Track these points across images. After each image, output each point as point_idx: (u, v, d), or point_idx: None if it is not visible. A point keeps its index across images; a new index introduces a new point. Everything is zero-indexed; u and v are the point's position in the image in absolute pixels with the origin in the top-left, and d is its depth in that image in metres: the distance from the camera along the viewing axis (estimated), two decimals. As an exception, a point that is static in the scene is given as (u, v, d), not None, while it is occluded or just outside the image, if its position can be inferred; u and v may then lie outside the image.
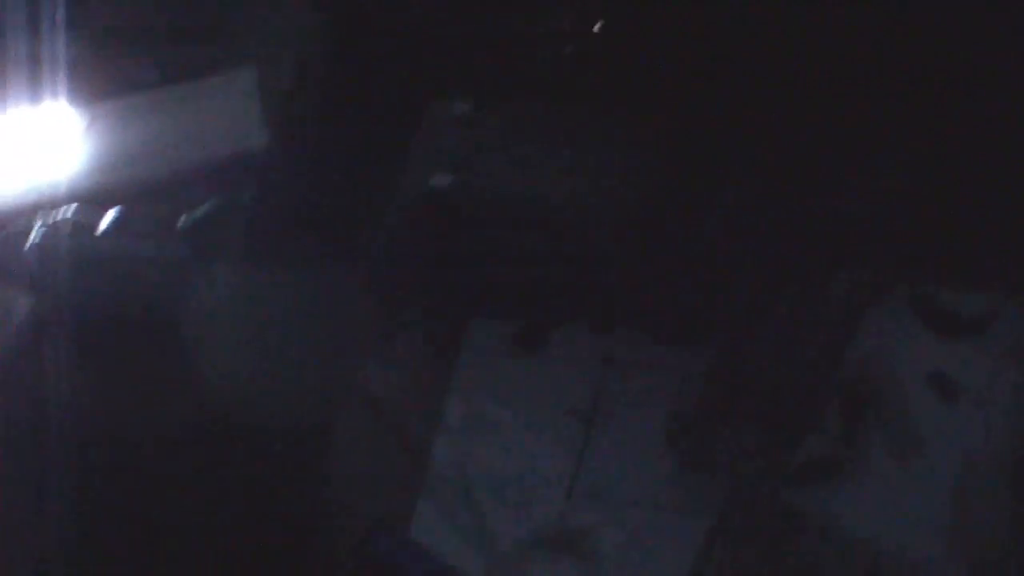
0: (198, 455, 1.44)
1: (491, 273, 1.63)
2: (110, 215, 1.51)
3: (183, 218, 1.50)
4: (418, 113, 1.63)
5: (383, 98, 1.62)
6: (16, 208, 1.56)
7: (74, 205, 1.54)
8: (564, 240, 1.61)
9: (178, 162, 1.58)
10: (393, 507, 1.55)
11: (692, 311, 1.61)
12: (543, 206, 1.60)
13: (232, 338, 1.46)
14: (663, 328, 1.62)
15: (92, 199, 1.55)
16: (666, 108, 1.64)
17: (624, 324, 1.63)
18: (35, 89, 1.62)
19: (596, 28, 1.66)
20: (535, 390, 1.63)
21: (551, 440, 1.59)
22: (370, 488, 1.57)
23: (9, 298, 1.50)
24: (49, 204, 1.56)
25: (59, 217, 1.52)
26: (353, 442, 1.59)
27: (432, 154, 1.60)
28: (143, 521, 1.41)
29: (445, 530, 1.53)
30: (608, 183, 1.61)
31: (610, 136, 1.64)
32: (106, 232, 1.49)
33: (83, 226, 1.50)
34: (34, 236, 1.49)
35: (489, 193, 1.59)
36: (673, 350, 1.62)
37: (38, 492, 1.38)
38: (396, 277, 1.62)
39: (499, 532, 1.53)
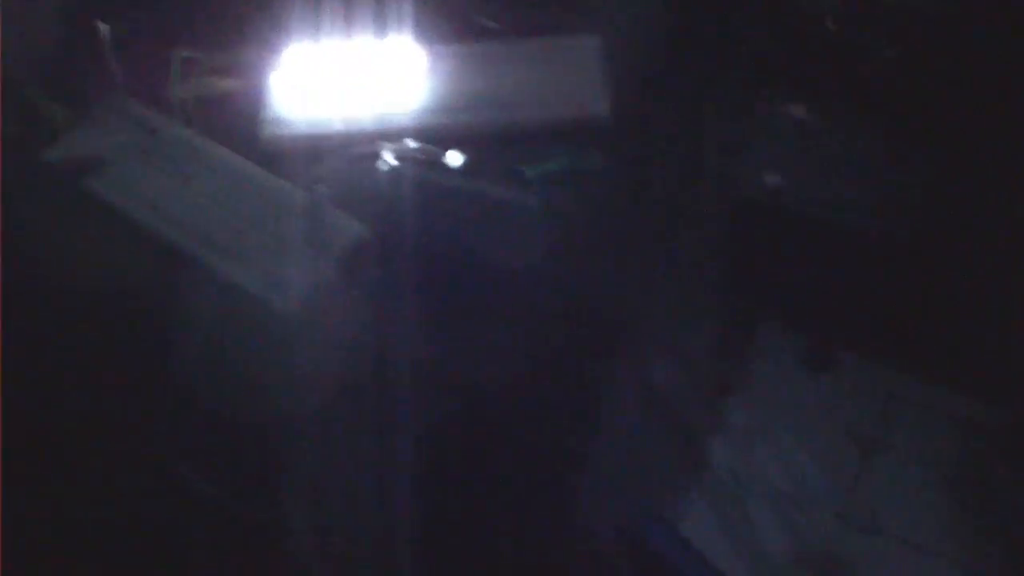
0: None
1: (797, 281, 1.61)
2: (456, 155, 1.51)
3: (529, 170, 1.49)
4: (753, 109, 1.61)
5: (721, 87, 1.61)
6: (356, 134, 1.58)
7: (415, 142, 1.54)
8: (880, 260, 1.58)
9: (517, 116, 1.58)
10: (664, 500, 1.54)
11: (993, 360, 1.58)
12: (867, 223, 1.57)
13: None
14: (958, 373, 1.59)
15: (431, 137, 1.56)
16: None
17: (918, 361, 1.61)
18: (382, 23, 1.64)
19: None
20: (819, 409, 1.62)
21: (828, 461, 1.59)
22: (643, 478, 1.56)
23: (339, 220, 1.51)
24: (389, 136, 1.57)
25: (406, 149, 1.53)
26: (629, 430, 1.58)
27: (764, 153, 1.59)
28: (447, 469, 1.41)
29: (715, 532, 1.53)
30: (935, 209, 1.58)
31: (940, 157, 1.61)
32: (456, 170, 1.49)
33: (433, 160, 1.50)
34: (383, 163, 1.50)
35: (817, 199, 1.57)
36: (964, 397, 1.60)
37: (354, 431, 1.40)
38: (703, 270, 1.61)
39: (767, 544, 1.52)
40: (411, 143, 1.54)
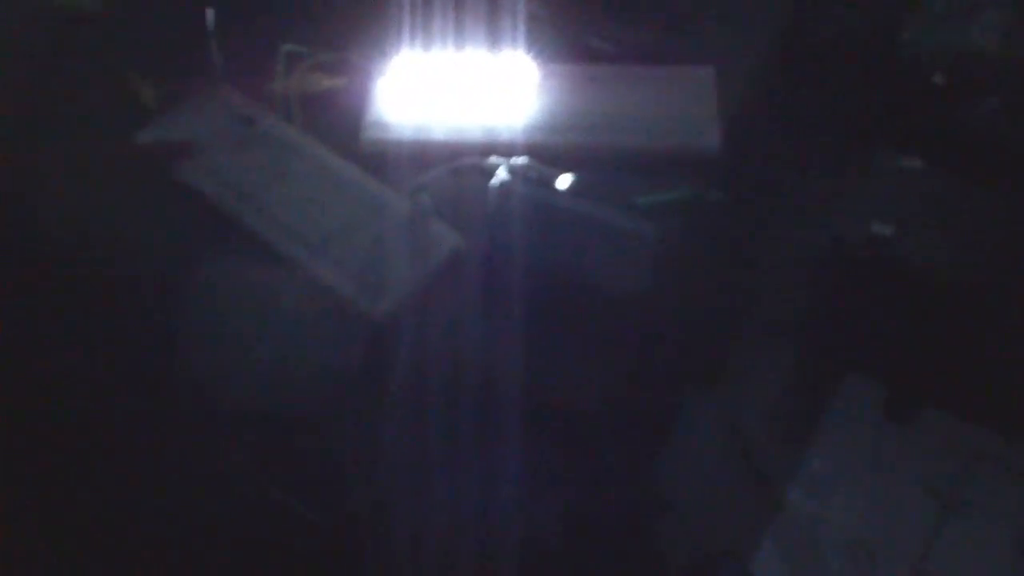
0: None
1: (886, 331, 1.60)
2: (567, 176, 1.49)
3: (642, 199, 1.47)
4: (862, 158, 1.60)
5: (832, 132, 1.60)
6: (462, 145, 1.56)
7: (524, 158, 1.53)
8: (971, 314, 1.57)
9: (628, 141, 1.55)
10: (737, 539, 1.53)
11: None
12: (963, 276, 1.56)
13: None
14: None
15: (538, 155, 1.54)
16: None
17: (1001, 418, 1.60)
18: (495, 36, 1.62)
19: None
20: (898, 461, 1.60)
21: (906, 515, 1.57)
22: (717, 514, 1.55)
23: (440, 230, 1.49)
24: (495, 150, 1.55)
25: (517, 165, 1.51)
26: (707, 467, 1.57)
27: (874, 202, 1.58)
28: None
29: (785, 574, 1.51)
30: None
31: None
32: (569, 192, 1.47)
33: (543, 179, 1.48)
34: (492, 177, 1.48)
35: (917, 250, 1.56)
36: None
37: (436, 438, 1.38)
38: (796, 313, 1.60)
39: (838, 592, 1.51)
40: (521, 159, 1.52)
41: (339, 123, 1.61)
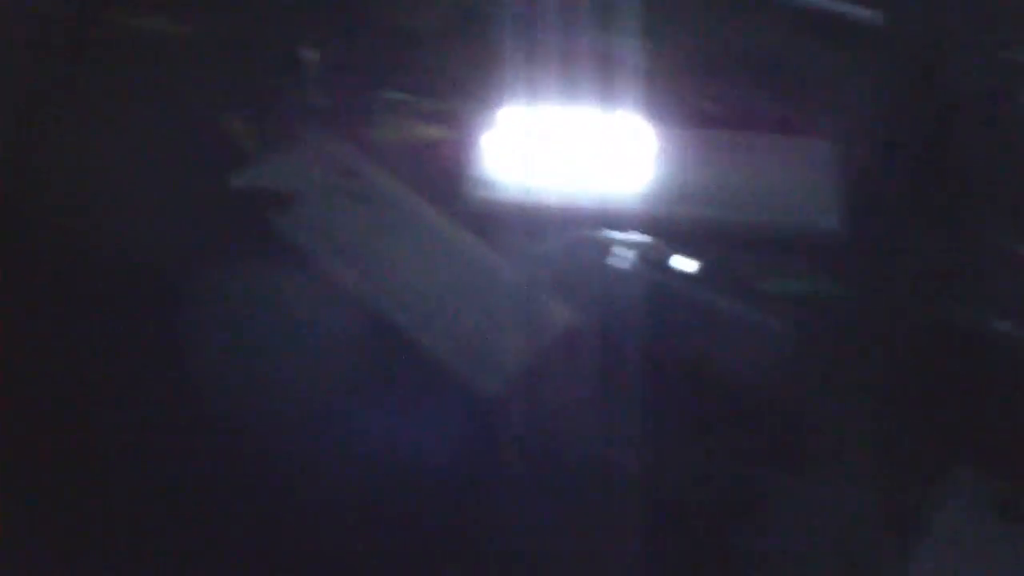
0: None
1: (1000, 424, 1.54)
2: (684, 260, 1.43)
3: (766, 285, 1.41)
4: (985, 246, 1.54)
5: (949, 212, 1.54)
6: (574, 213, 1.49)
7: (644, 236, 1.46)
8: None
9: (745, 218, 1.49)
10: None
11: None
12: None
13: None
14: None
15: (653, 228, 1.47)
16: None
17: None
18: (609, 95, 1.55)
19: None
20: (1012, 565, 1.54)
21: (1016, 622, 1.51)
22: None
23: (553, 306, 1.43)
24: (610, 222, 1.48)
25: (630, 244, 1.45)
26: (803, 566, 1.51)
27: (994, 293, 1.51)
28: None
29: None
30: None
31: None
32: (690, 275, 1.41)
33: (660, 260, 1.42)
34: (610, 254, 1.42)
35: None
36: None
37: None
38: (905, 401, 1.54)
39: None
40: (640, 238, 1.45)
41: (441, 178, 1.54)
